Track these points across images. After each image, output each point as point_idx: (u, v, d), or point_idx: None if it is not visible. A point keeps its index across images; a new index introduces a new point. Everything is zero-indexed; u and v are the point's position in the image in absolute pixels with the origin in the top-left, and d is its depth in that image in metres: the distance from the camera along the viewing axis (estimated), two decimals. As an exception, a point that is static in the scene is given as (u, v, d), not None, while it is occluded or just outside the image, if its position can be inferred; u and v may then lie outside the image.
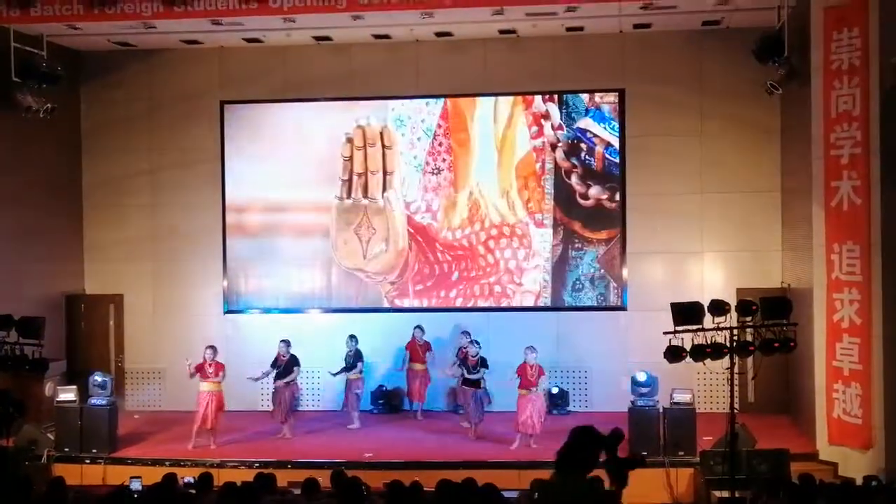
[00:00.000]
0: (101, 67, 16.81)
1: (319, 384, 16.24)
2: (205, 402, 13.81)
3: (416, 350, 15.47)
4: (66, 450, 13.46)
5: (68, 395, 13.89)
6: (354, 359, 14.91)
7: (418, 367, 15.46)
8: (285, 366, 14.43)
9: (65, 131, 16.47)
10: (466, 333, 14.96)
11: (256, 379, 14.59)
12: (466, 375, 14.08)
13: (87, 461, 13.38)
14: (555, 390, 15.77)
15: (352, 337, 15.01)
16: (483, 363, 14.09)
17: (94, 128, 16.97)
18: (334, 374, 14.97)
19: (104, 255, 16.94)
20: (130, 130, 16.85)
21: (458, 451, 13.54)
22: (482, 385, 14.18)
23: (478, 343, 14.29)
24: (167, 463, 12.92)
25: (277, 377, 14.46)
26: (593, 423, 5.89)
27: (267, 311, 16.65)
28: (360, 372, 14.99)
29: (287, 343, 14.52)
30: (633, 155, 15.95)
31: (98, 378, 14.05)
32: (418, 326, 15.53)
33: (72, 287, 16.76)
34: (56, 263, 16.34)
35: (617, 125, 15.85)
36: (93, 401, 13.82)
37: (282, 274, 16.62)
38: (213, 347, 14.03)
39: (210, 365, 13.86)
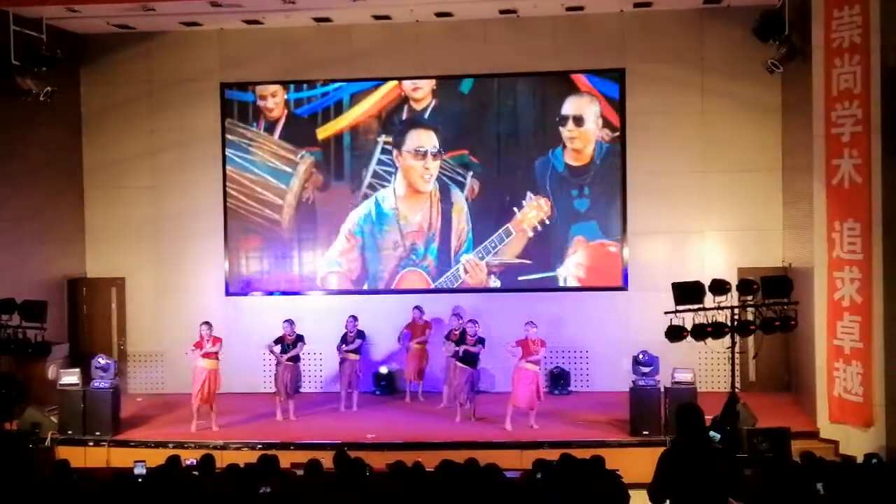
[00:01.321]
0: (101, 50, 16.75)
1: (321, 366, 16.26)
2: (202, 379, 13.76)
3: (416, 331, 15.51)
4: (70, 433, 13.47)
5: (71, 378, 13.88)
6: (355, 339, 14.96)
7: (418, 347, 15.50)
8: (291, 345, 14.44)
9: (65, 114, 16.43)
10: (458, 315, 15.05)
11: (276, 354, 14.50)
12: (467, 348, 13.98)
13: (91, 444, 13.40)
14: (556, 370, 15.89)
15: (353, 317, 15.02)
16: (481, 342, 14.07)
17: (95, 110, 16.92)
18: (283, 353, 14.56)
19: (105, 238, 16.93)
20: (131, 113, 16.79)
21: (459, 431, 13.55)
22: (477, 366, 14.13)
23: (476, 322, 14.28)
24: (170, 445, 12.95)
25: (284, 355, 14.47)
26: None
27: (268, 293, 16.71)
28: (359, 352, 15.05)
29: (291, 322, 14.52)
30: (633, 134, 15.93)
31: (100, 361, 14.06)
32: (417, 307, 15.56)
33: (73, 270, 16.75)
34: (57, 247, 16.33)
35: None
36: (95, 384, 13.83)
37: (283, 255, 16.69)
38: (208, 323, 13.99)
39: (208, 340, 13.85)
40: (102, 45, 16.71)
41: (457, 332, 14.60)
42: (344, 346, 14.96)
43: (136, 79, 16.78)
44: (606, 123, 16.00)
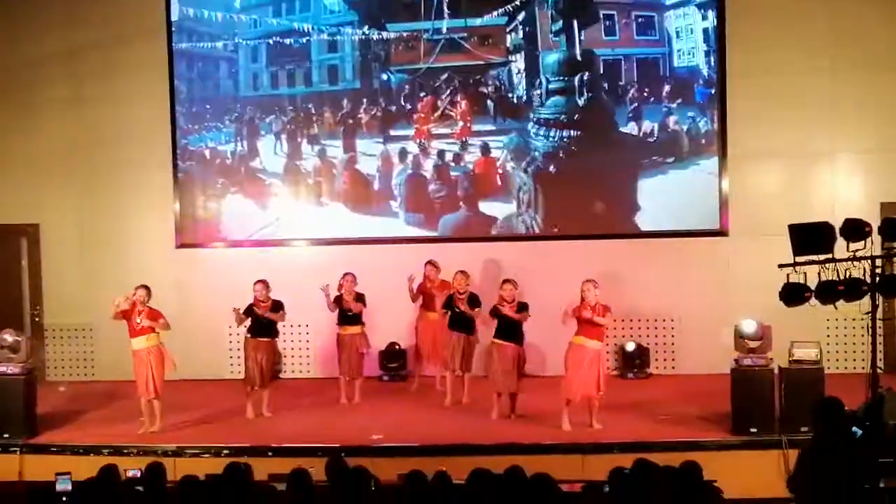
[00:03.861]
0: None
1: (308, 343, 16.30)
2: (139, 363, 13.71)
3: (430, 294, 15.36)
4: (-33, 436, 13.61)
5: (-35, 363, 14.00)
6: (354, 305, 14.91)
7: (433, 316, 15.36)
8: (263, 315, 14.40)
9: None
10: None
11: (238, 317, 14.39)
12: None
13: (-2, 450, 13.52)
14: (630, 346, 15.92)
15: (350, 275, 14.90)
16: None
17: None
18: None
19: (11, 172, 17.03)
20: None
21: (496, 430, 13.56)
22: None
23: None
24: (105, 451, 13.00)
25: (254, 331, 14.45)
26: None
27: (235, 243, 16.79)
28: (361, 323, 15.04)
29: (265, 284, 14.46)
30: (735, 21, 15.81)
31: (7, 338, 14.11)
32: (430, 262, 15.39)
33: (-36, 215, 16.89)
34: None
35: None
36: (1, 369, 13.91)
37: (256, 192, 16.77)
38: (146, 287, 13.83)
39: (140, 312, 13.73)
40: None
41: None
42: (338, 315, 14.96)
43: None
44: None
